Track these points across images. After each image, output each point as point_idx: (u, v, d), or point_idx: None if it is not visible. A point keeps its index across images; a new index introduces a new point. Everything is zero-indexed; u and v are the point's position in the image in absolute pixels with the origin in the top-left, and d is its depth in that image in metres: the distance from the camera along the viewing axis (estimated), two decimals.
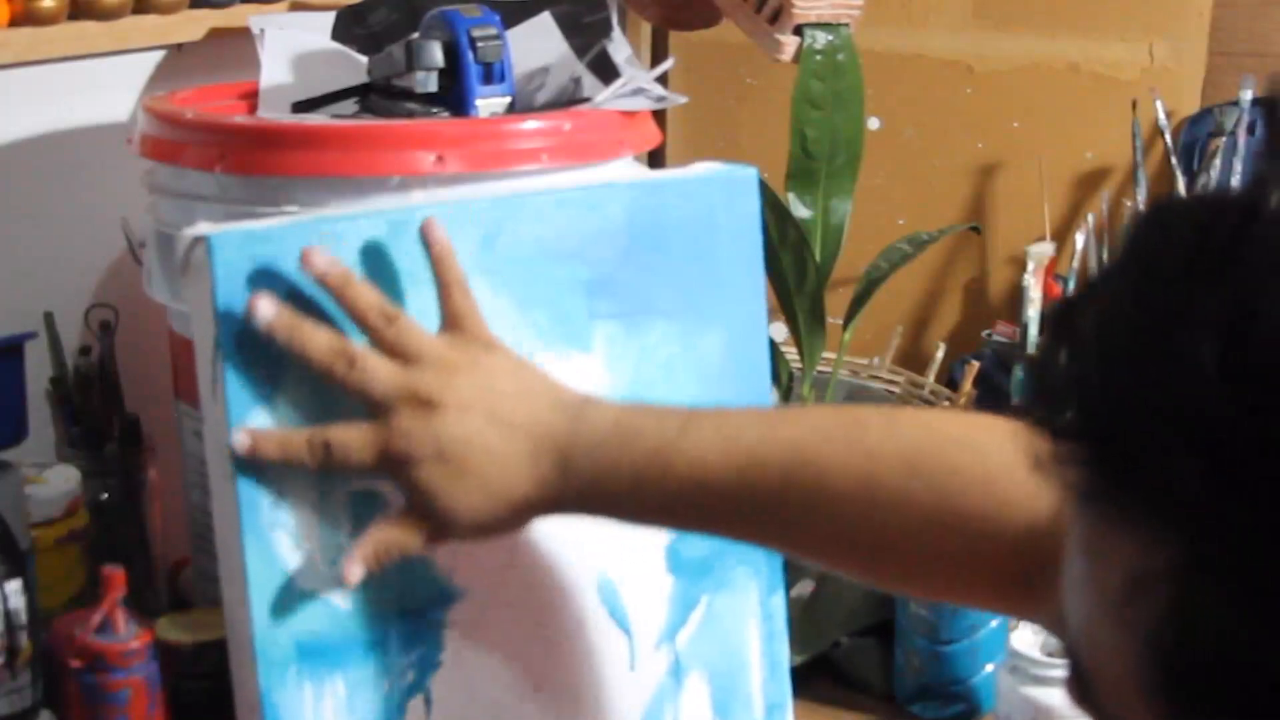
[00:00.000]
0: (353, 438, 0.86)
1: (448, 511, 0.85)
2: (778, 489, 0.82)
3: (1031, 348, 1.36)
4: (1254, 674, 0.46)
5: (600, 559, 0.99)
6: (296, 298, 0.89)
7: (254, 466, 0.88)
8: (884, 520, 0.80)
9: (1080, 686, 0.54)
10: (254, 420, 0.88)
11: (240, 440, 0.87)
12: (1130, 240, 0.52)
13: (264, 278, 0.88)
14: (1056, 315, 0.53)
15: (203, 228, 0.89)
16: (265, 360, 0.88)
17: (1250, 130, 1.57)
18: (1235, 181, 1.55)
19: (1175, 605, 0.47)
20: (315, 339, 0.87)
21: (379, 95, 1.22)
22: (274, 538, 0.89)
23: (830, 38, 1.34)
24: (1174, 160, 1.58)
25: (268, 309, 0.86)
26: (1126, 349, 0.48)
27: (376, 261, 0.91)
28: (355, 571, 0.87)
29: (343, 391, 0.86)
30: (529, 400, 0.87)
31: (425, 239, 0.90)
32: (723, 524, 0.88)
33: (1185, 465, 0.46)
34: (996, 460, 0.78)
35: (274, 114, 1.26)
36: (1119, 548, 0.49)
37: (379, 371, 0.86)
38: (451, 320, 0.89)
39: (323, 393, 0.89)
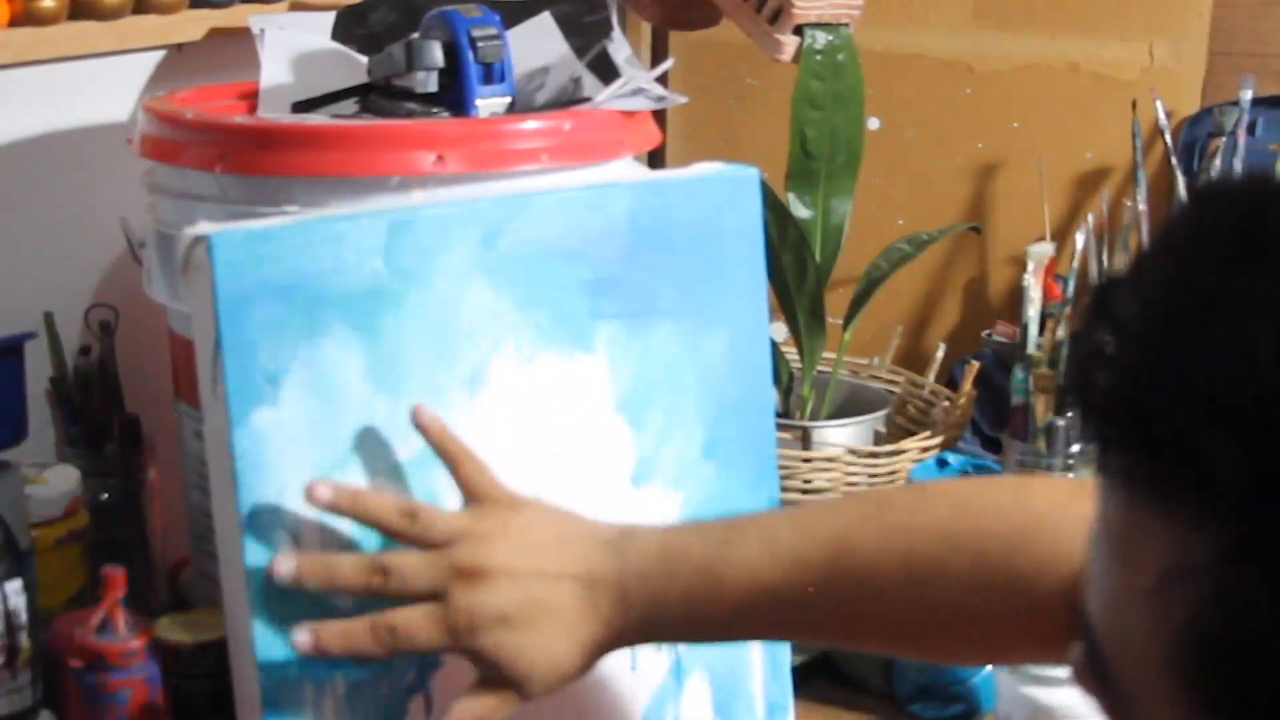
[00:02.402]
0: (415, 619, 0.86)
1: (522, 672, 0.85)
2: (824, 583, 0.83)
3: (1032, 347, 1.36)
4: None
5: None
6: (295, 297, 0.89)
7: (259, 466, 0.88)
8: (928, 595, 0.82)
9: (1093, 665, 0.54)
10: (254, 419, 0.88)
11: (302, 639, 0.86)
12: (1172, 223, 0.51)
13: (264, 277, 0.88)
14: (1097, 295, 0.53)
15: (203, 227, 0.89)
16: (266, 360, 0.88)
17: (1250, 130, 1.57)
18: None
19: (1214, 595, 0.47)
20: (342, 570, 0.87)
21: (379, 95, 1.22)
22: (274, 538, 0.88)
23: (830, 38, 1.34)
24: (1174, 160, 1.58)
25: (288, 566, 0.86)
26: (1169, 332, 0.48)
27: (376, 261, 0.91)
28: None
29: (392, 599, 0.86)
30: (571, 546, 0.87)
31: (417, 424, 0.90)
32: (778, 627, 0.89)
33: (1230, 453, 0.45)
34: (1026, 522, 0.80)
35: (274, 114, 1.26)
36: (1154, 534, 0.49)
37: (415, 569, 0.86)
38: (470, 493, 0.90)
39: (322, 392, 0.89)
